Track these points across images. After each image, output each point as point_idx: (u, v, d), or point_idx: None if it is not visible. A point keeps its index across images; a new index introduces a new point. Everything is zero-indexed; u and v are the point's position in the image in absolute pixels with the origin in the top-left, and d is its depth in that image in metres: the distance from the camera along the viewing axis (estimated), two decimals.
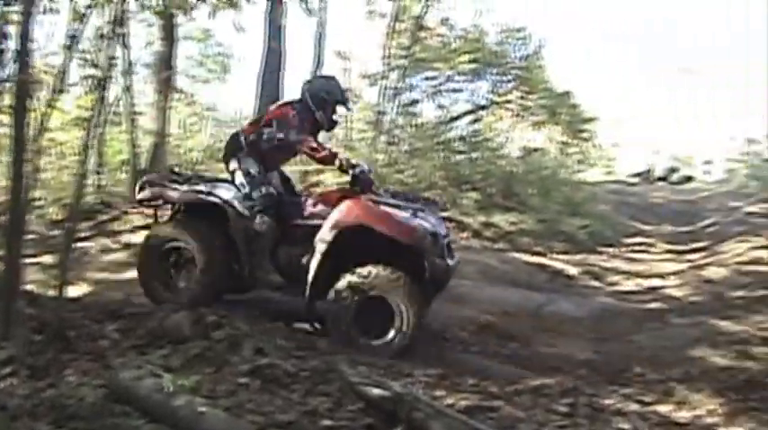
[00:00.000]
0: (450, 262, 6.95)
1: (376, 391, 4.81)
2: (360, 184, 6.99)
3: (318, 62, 16.04)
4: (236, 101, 24.16)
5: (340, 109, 7.67)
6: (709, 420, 5.74)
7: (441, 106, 18.69)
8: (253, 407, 4.76)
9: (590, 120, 20.64)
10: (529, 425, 4.95)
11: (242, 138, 7.51)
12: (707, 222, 18.12)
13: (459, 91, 18.91)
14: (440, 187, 13.10)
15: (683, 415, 5.90)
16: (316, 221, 6.98)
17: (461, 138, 17.21)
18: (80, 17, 6.80)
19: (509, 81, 18.79)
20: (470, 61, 17.86)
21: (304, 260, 6.97)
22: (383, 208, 6.79)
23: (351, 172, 7.02)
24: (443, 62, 18.08)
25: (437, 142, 14.94)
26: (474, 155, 15.69)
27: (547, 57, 19.46)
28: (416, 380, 5.89)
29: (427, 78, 18.50)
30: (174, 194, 7.53)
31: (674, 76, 51.14)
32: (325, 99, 7.40)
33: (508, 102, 18.85)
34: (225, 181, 7.61)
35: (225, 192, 7.37)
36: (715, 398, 6.18)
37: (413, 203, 7.10)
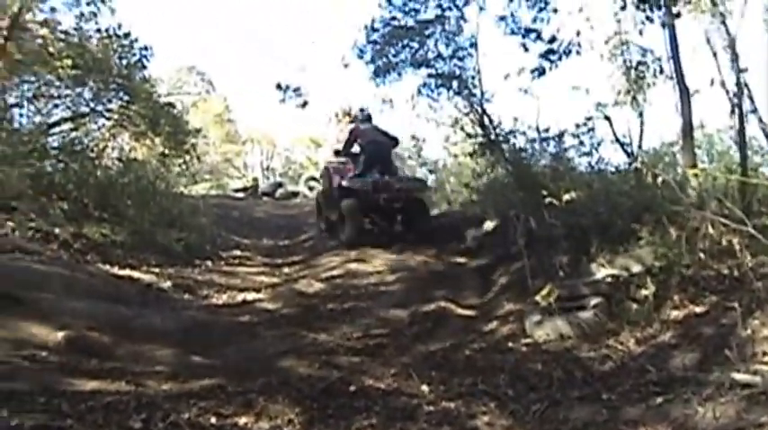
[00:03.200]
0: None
1: None
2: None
3: None
4: None
5: None
6: (288, 429, 5.94)
7: (39, 112, 17.82)
8: None
9: (194, 132, 20.72)
10: None
11: None
12: (305, 236, 18.82)
13: (60, 97, 18.15)
14: (28, 196, 12.39)
15: (262, 425, 6.05)
16: None
17: (59, 147, 16.47)
18: None
19: (112, 89, 18.31)
20: (72, 66, 17.16)
21: None
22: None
23: None
24: (43, 65, 17.21)
25: (30, 150, 14.18)
26: (71, 164, 15.06)
27: (155, 66, 19.31)
28: None
29: (24, 82, 17.57)
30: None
31: None
32: None
33: (109, 110, 18.41)
34: None
35: None
36: (294, 407, 6.41)
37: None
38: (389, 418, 6.44)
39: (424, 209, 16.28)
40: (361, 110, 17.23)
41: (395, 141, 16.68)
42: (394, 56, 15.99)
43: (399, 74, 16.18)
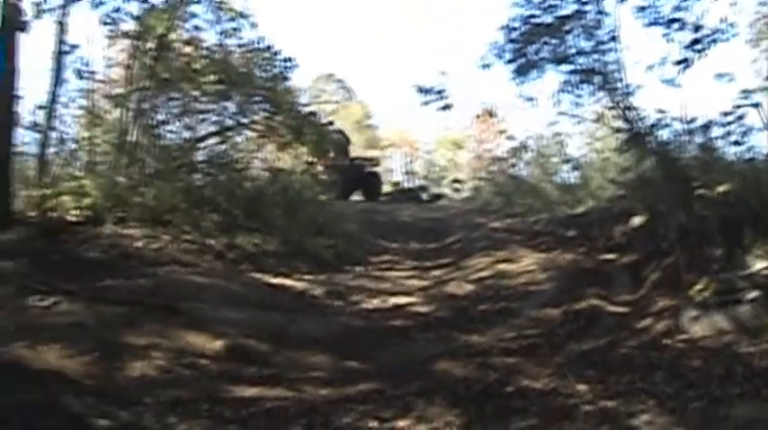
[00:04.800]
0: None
1: (102, 422, 4.62)
2: None
3: (58, 81, 15.29)
4: None
5: None
6: None
7: (187, 127, 18.32)
8: None
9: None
10: None
11: None
12: (452, 239, 18.71)
13: (206, 112, 18.61)
14: (181, 210, 12.75)
15: (421, 429, 5.98)
16: None
17: (207, 160, 16.91)
18: None
19: (255, 101, 18.66)
20: (217, 82, 17.57)
21: None
22: None
23: None
24: (189, 82, 17.68)
25: (181, 164, 14.58)
26: (219, 176, 15.43)
27: (295, 76, 19.54)
28: (148, 408, 5.70)
29: (172, 99, 18.09)
30: None
31: None
32: None
33: (254, 122, 18.75)
34: None
35: None
36: (452, 410, 6.31)
37: None
38: (547, 418, 6.27)
39: None
40: None
41: None
42: (534, 54, 15.74)
43: (540, 71, 15.90)
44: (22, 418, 5.17)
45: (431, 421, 6.18)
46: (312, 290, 11.59)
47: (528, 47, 15.76)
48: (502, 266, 13.55)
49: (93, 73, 17.26)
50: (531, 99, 16.44)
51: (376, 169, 32.65)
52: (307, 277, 12.43)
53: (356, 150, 35.94)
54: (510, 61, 16.00)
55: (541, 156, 27.67)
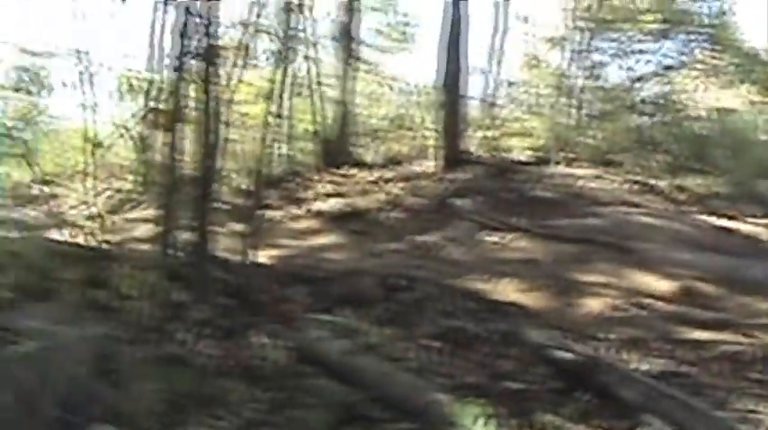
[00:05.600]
0: None
1: (564, 355, 4.75)
2: None
3: (500, 27, 15.83)
4: (421, 70, 24.21)
5: None
6: None
7: (627, 68, 18.08)
8: (441, 370, 4.79)
9: None
10: (719, 391, 4.74)
11: None
12: None
13: (645, 52, 18.24)
14: (627, 150, 12.68)
15: None
16: None
17: (649, 101, 16.60)
18: None
19: (698, 40, 17.93)
20: (658, 21, 17.15)
21: None
22: None
23: None
24: (630, 23, 17.43)
25: (624, 105, 14.46)
26: (663, 117, 15.10)
27: (741, 14, 18.40)
28: (603, 343, 5.79)
29: (612, 40, 17.93)
30: None
31: None
32: None
33: (697, 62, 18.02)
34: None
35: None
36: None
37: None
38: None
39: None
40: None
41: None
42: None
43: None
44: (489, 345, 5.50)
45: None
46: (761, 234, 10.99)
47: None
48: None
49: (530, 18, 17.62)
50: None
51: None
52: (754, 220, 11.79)
53: None
54: None
55: None
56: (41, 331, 3.82)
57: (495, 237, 9.18)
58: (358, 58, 15.78)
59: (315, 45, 15.47)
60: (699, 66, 18.06)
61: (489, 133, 13.52)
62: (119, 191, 14.30)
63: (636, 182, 11.97)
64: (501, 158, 12.68)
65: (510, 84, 17.73)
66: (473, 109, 15.33)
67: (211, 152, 6.27)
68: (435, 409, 3.88)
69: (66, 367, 3.66)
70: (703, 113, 16.97)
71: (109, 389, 4.12)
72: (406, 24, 20.90)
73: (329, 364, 4.64)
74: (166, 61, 9.77)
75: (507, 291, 7.30)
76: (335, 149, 14.27)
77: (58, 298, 5.85)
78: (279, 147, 13.52)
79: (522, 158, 12.67)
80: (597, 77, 16.92)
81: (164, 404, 3.92)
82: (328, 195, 11.98)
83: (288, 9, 7.42)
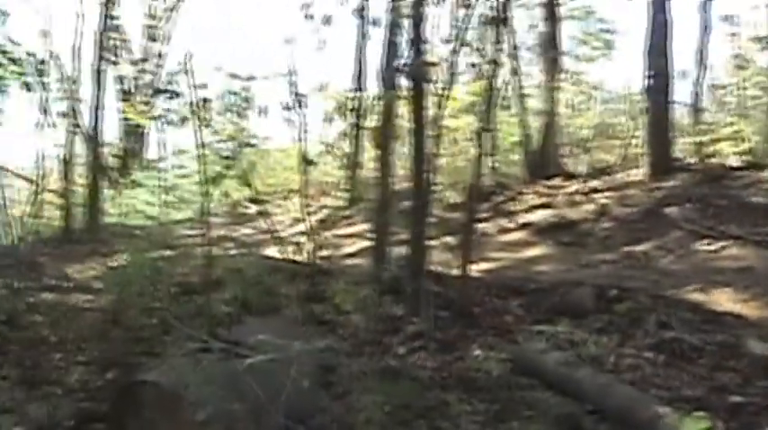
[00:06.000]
0: None
1: None
2: None
3: (705, 28, 15.26)
4: (623, 77, 23.77)
5: None
6: None
7: None
8: (658, 382, 4.71)
9: None
10: None
11: None
12: None
13: None
14: None
15: None
16: None
17: None
18: (466, 5, 6.95)
19: None
20: None
21: None
22: None
23: None
24: None
25: None
26: None
27: None
28: None
29: None
30: None
31: None
32: None
33: None
34: None
35: None
36: None
37: None
38: None
39: None
40: None
41: None
42: None
43: None
44: (707, 356, 5.29)
45: None
46: None
47: None
48: None
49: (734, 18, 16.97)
50: None
51: None
52: None
53: None
54: None
55: None
56: (268, 344, 3.97)
57: (708, 246, 8.86)
58: (561, 68, 15.63)
59: (517, 57, 15.47)
60: None
61: (697, 139, 13.03)
62: (327, 207, 14.78)
63: None
64: (711, 164, 12.19)
65: (717, 87, 17.16)
66: (679, 114, 14.90)
67: (424, 167, 6.37)
68: (660, 424, 3.79)
69: (292, 379, 3.81)
70: None
71: (331, 400, 4.27)
72: (607, 31, 20.56)
73: (545, 376, 4.64)
74: (373, 80, 10.01)
75: (723, 300, 7.01)
76: (542, 161, 14.19)
77: (278, 312, 6.12)
78: (486, 160, 13.57)
79: (733, 163, 12.13)
80: None
81: (384, 415, 4.02)
82: (536, 207, 11.91)
83: (490, 22, 7.43)
